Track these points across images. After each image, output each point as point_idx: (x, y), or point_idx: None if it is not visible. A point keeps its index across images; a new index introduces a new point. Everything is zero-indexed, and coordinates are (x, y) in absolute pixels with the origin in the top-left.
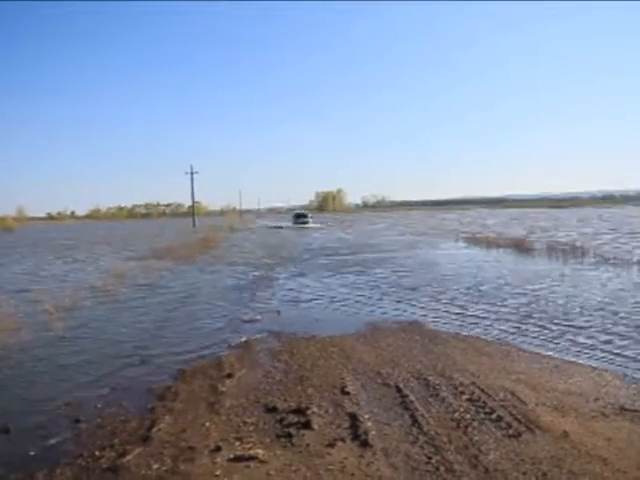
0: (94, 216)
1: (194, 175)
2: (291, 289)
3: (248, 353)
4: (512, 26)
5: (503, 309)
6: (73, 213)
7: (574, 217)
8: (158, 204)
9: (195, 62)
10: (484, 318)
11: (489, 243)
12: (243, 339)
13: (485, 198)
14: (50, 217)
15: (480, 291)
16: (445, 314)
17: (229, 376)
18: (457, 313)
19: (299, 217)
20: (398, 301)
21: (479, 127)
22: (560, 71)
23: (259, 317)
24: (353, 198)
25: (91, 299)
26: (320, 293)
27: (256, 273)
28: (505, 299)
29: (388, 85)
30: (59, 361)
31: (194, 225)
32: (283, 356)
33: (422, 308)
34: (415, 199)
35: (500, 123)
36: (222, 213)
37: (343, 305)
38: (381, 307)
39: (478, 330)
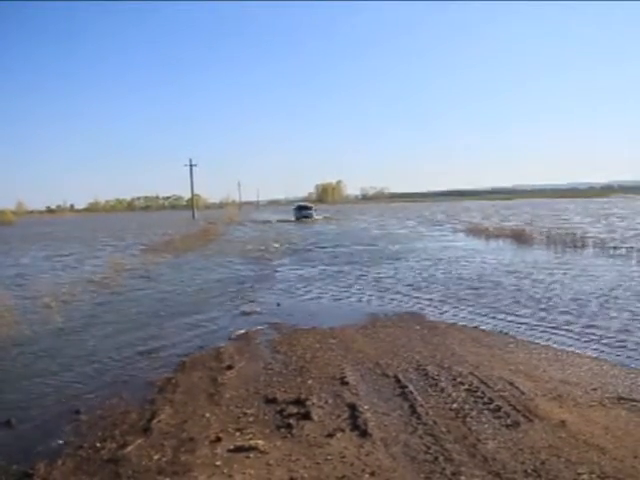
0: (93, 209)
1: (193, 167)
2: (291, 282)
3: (248, 345)
4: (518, 12)
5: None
6: (72, 206)
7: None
8: (157, 197)
9: (193, 54)
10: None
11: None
12: (242, 331)
13: (487, 189)
14: (49, 210)
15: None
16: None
17: (229, 368)
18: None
19: (302, 210)
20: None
21: (481, 118)
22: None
23: (259, 309)
24: (353, 190)
25: (90, 292)
26: (321, 287)
27: (256, 266)
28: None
29: (389, 75)
30: (59, 354)
31: (194, 218)
32: (283, 347)
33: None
34: (415, 191)
35: (502, 114)
36: (221, 206)
37: (345, 297)
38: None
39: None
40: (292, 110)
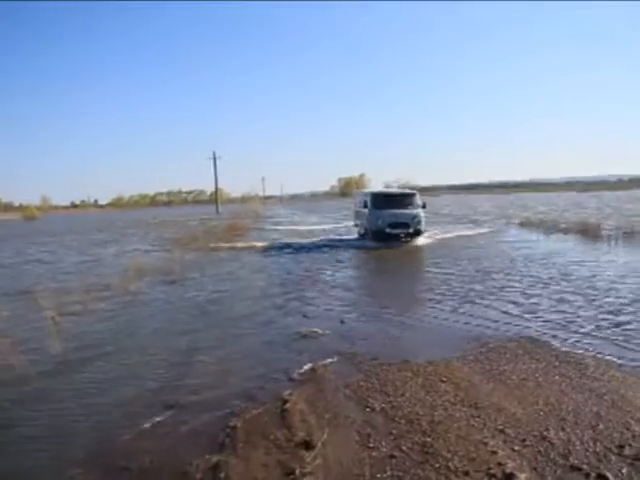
0: (117, 204)
1: (217, 161)
2: (348, 289)
3: (321, 392)
4: (541, 8)
5: None
6: (96, 202)
7: None
8: (180, 191)
9: (217, 47)
10: None
11: None
12: (307, 367)
13: (511, 182)
14: (74, 206)
15: None
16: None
17: (307, 446)
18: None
19: (389, 209)
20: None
21: (506, 110)
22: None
23: (318, 329)
24: (376, 183)
25: (105, 302)
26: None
27: (299, 267)
28: None
29: (415, 67)
30: (50, 410)
31: (217, 212)
32: (376, 400)
33: None
34: (439, 183)
35: (522, 108)
36: (244, 200)
37: (426, 310)
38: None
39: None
40: (317, 104)
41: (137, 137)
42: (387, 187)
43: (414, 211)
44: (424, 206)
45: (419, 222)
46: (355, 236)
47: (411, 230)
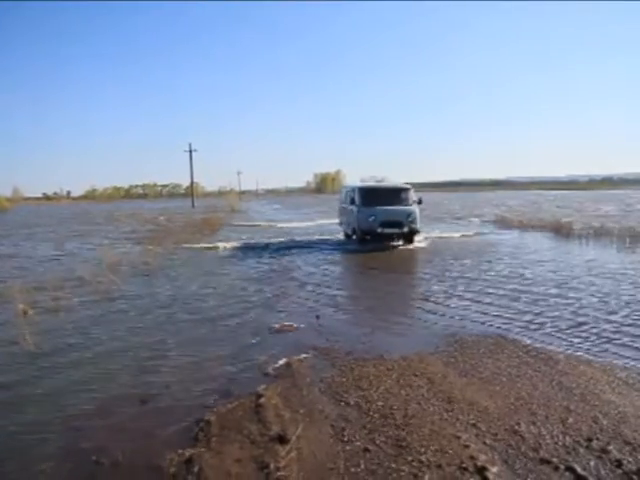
0: (90, 196)
1: (193, 154)
2: (323, 284)
3: (295, 388)
4: (511, 9)
5: None
6: (69, 193)
7: None
8: (155, 184)
9: (193, 41)
10: None
11: None
12: (282, 362)
13: (484, 180)
14: (46, 197)
15: None
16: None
17: (281, 440)
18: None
19: (383, 199)
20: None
21: (479, 110)
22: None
23: (293, 324)
24: (352, 179)
25: (77, 296)
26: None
27: (274, 261)
28: None
29: (388, 68)
30: (20, 400)
31: (193, 206)
32: (350, 395)
33: None
34: (414, 181)
35: (500, 106)
36: (220, 194)
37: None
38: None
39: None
40: (293, 99)
41: (113, 130)
42: (363, 181)
43: (409, 208)
44: (420, 202)
45: (414, 220)
46: (340, 237)
47: (405, 229)
